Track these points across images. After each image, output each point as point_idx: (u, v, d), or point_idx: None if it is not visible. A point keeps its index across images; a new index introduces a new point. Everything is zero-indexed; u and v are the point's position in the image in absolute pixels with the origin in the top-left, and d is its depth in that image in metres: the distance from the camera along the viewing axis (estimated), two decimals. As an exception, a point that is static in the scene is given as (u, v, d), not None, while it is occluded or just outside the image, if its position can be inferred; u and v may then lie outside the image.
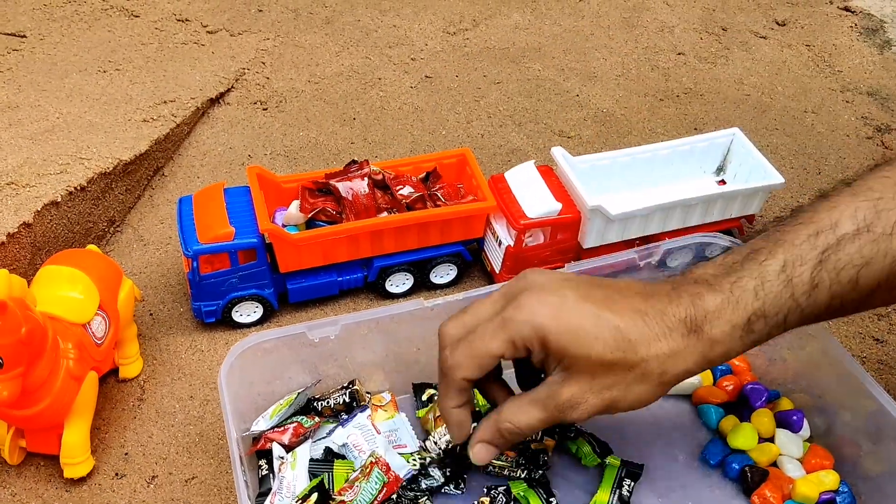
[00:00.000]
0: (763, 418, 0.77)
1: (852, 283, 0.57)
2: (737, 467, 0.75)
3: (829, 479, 0.72)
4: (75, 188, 0.90)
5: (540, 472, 0.73)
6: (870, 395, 0.70)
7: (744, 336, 0.59)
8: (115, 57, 1.22)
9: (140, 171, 1.02)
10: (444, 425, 0.75)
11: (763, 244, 0.60)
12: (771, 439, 0.76)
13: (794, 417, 0.77)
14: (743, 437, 0.76)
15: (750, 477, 0.73)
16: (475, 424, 0.65)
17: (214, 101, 1.19)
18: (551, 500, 0.71)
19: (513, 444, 0.66)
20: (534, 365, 0.62)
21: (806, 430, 0.77)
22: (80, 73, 1.17)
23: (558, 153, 0.91)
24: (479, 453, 0.64)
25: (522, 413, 0.62)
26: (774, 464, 0.75)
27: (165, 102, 1.13)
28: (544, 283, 0.61)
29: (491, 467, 0.74)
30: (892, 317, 0.92)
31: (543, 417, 0.61)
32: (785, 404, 0.79)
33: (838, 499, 0.72)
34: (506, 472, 0.74)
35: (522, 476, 0.74)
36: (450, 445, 0.74)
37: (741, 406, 0.80)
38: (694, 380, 0.81)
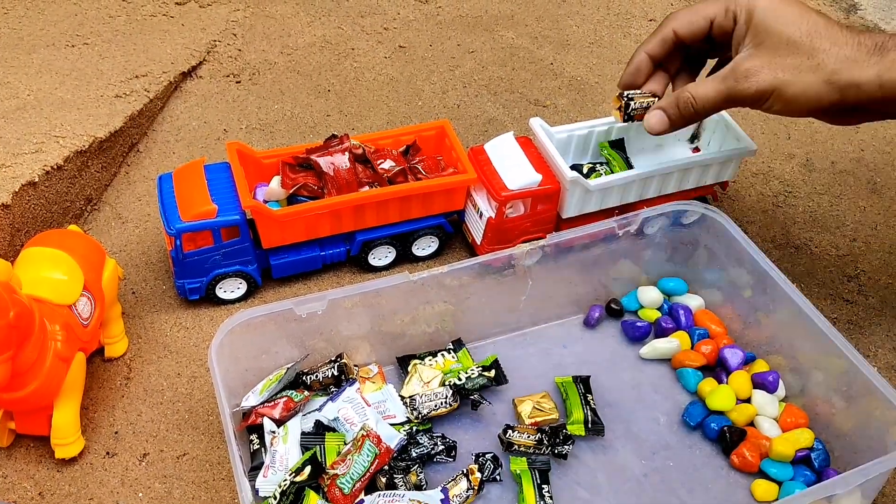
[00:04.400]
0: (740, 380, 0.80)
1: None
2: (716, 428, 0.77)
3: (804, 437, 0.75)
4: (52, 167, 0.89)
5: (565, 447, 0.74)
6: (841, 354, 0.73)
7: None
8: (83, 30, 1.20)
9: (115, 147, 1.01)
10: (427, 391, 0.77)
11: None
12: (748, 400, 0.79)
13: (770, 378, 0.79)
14: (721, 398, 0.78)
15: (729, 437, 0.76)
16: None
17: (186, 75, 1.18)
18: (544, 486, 0.72)
19: (686, 121, 0.77)
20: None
21: (781, 391, 0.80)
22: (48, 48, 1.15)
23: (536, 124, 0.92)
24: (652, 118, 0.77)
25: (702, 86, 0.73)
26: (752, 423, 0.78)
27: (137, 77, 1.11)
28: None
29: (515, 446, 0.75)
30: (860, 278, 0.95)
31: (721, 89, 0.72)
32: (761, 366, 0.82)
33: (813, 455, 0.75)
34: (531, 451, 0.75)
35: (546, 453, 0.75)
36: (434, 411, 0.76)
37: (719, 369, 0.82)
38: (673, 344, 0.84)
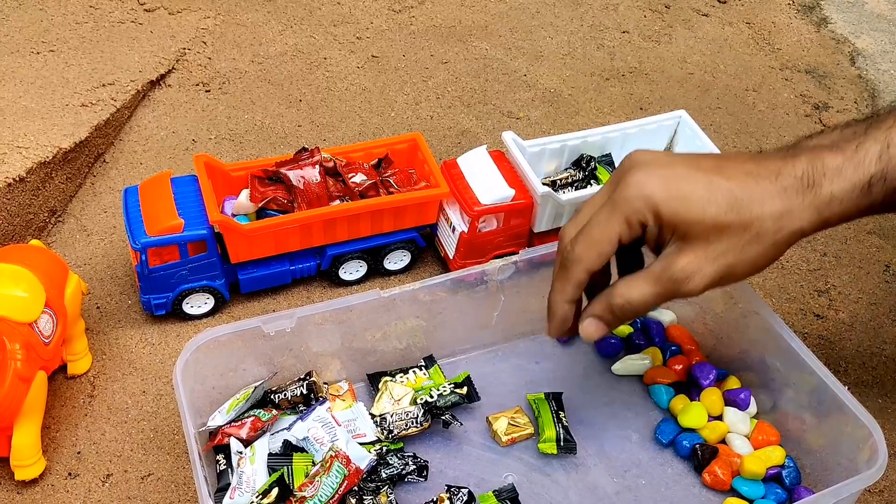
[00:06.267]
0: (712, 397, 0.79)
1: None
2: (688, 445, 0.77)
3: (775, 455, 0.75)
4: (14, 179, 0.87)
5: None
6: (812, 370, 0.73)
7: (861, 197, 0.59)
8: (49, 37, 1.18)
9: (80, 158, 0.99)
10: (396, 410, 0.76)
11: (886, 117, 0.61)
12: (720, 417, 0.79)
13: (742, 395, 0.79)
14: (693, 415, 0.78)
15: (701, 455, 0.76)
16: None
17: (155, 84, 1.16)
18: None
19: (623, 322, 0.66)
20: (638, 254, 0.67)
21: (753, 408, 0.80)
22: (12, 55, 1.12)
23: (509, 138, 0.91)
24: (588, 328, 0.65)
25: (635, 288, 0.62)
26: (724, 441, 0.78)
27: (104, 85, 1.09)
28: (651, 160, 0.61)
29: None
30: (831, 293, 0.96)
31: (656, 291, 0.62)
32: (732, 383, 0.81)
33: (784, 473, 0.75)
34: None
35: None
36: (404, 431, 0.75)
37: (690, 385, 0.82)
38: (645, 361, 0.83)
